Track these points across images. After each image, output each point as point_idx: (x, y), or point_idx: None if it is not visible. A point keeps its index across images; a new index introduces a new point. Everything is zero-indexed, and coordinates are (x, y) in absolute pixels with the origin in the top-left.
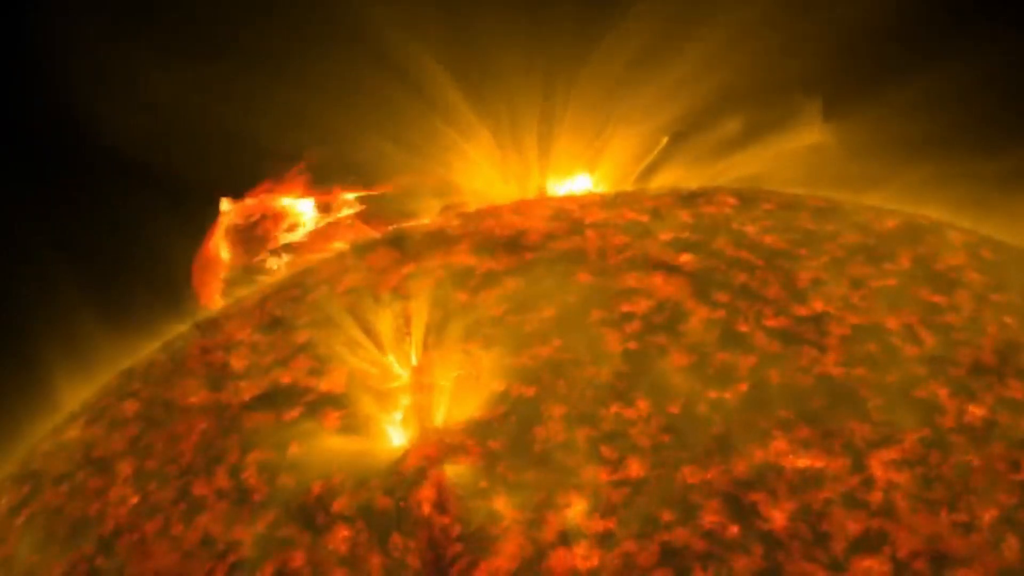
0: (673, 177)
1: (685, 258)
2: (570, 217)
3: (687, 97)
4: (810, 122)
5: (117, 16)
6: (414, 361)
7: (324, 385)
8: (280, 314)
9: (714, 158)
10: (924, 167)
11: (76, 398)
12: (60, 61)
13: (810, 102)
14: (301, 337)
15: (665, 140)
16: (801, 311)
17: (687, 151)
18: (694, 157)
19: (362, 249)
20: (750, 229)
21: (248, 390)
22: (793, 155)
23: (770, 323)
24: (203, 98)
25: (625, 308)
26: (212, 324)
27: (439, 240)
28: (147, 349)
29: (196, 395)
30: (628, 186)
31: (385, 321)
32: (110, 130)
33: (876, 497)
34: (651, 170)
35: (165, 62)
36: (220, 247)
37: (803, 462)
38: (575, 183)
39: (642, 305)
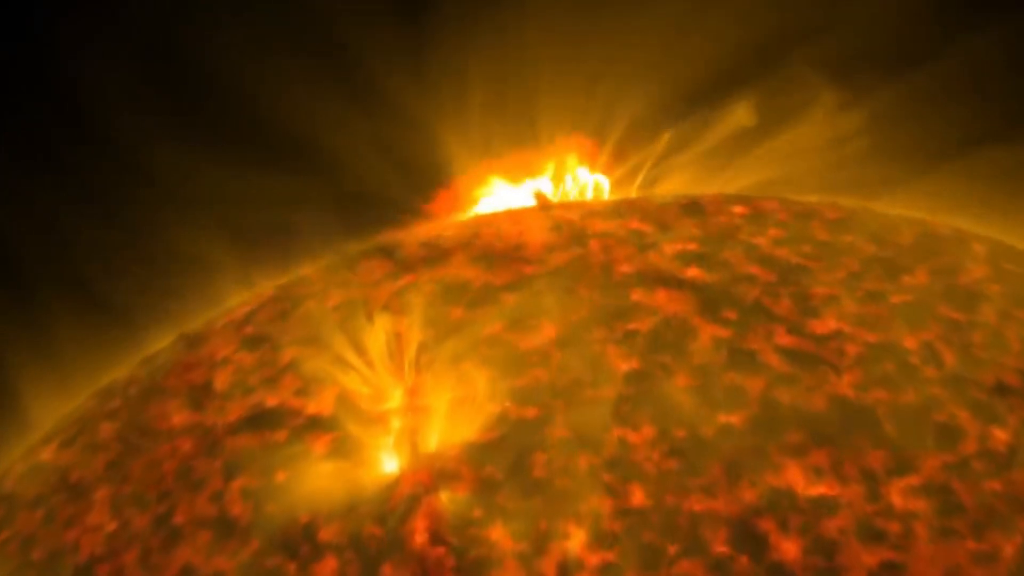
0: (680, 182)
1: (692, 272)
2: (571, 227)
3: (694, 92)
4: (825, 116)
5: None
6: (407, 382)
7: (312, 407)
8: (266, 330)
9: (724, 160)
10: (945, 167)
11: (51, 416)
12: None
13: (826, 92)
14: (288, 355)
15: (667, 136)
16: (814, 329)
17: (695, 152)
18: (703, 160)
19: (352, 260)
20: (761, 241)
21: (232, 411)
22: (806, 156)
23: (781, 342)
24: None
25: (629, 326)
26: (195, 339)
27: (433, 251)
28: (126, 364)
29: (177, 416)
30: (632, 192)
31: (376, 339)
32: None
33: (894, 527)
34: (656, 173)
35: None
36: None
37: (816, 489)
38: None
39: (647, 322)
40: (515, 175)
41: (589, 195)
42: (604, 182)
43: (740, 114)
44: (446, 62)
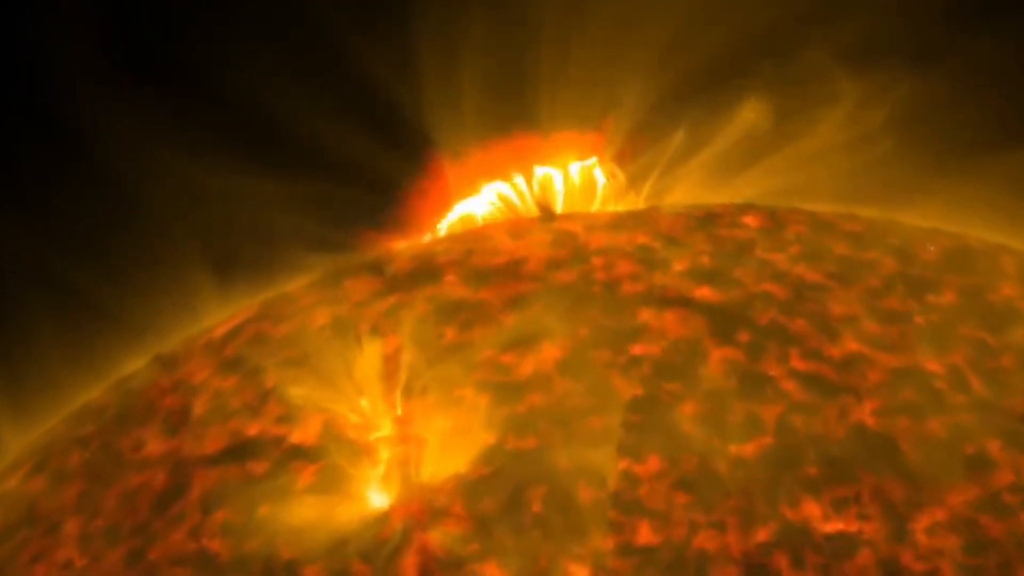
0: (690, 189)
1: (703, 291)
2: (573, 242)
3: (702, 85)
4: (845, 114)
5: None
6: (397, 409)
7: (296, 436)
8: (247, 352)
9: (736, 165)
10: (976, 172)
11: (19, 441)
12: None
13: (845, 86)
14: (270, 380)
15: (675, 136)
16: (833, 352)
17: (705, 155)
18: (713, 164)
19: (339, 276)
20: (777, 257)
21: (211, 440)
22: (825, 160)
23: (798, 366)
24: None
25: (635, 349)
26: (172, 361)
27: (426, 267)
28: (100, 387)
29: (153, 444)
30: (639, 202)
31: (365, 362)
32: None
33: (919, 567)
34: (664, 180)
35: None
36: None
37: (835, 526)
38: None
39: (654, 345)
40: (507, 169)
41: (597, 188)
42: (599, 175)
43: (752, 112)
44: (435, 50)
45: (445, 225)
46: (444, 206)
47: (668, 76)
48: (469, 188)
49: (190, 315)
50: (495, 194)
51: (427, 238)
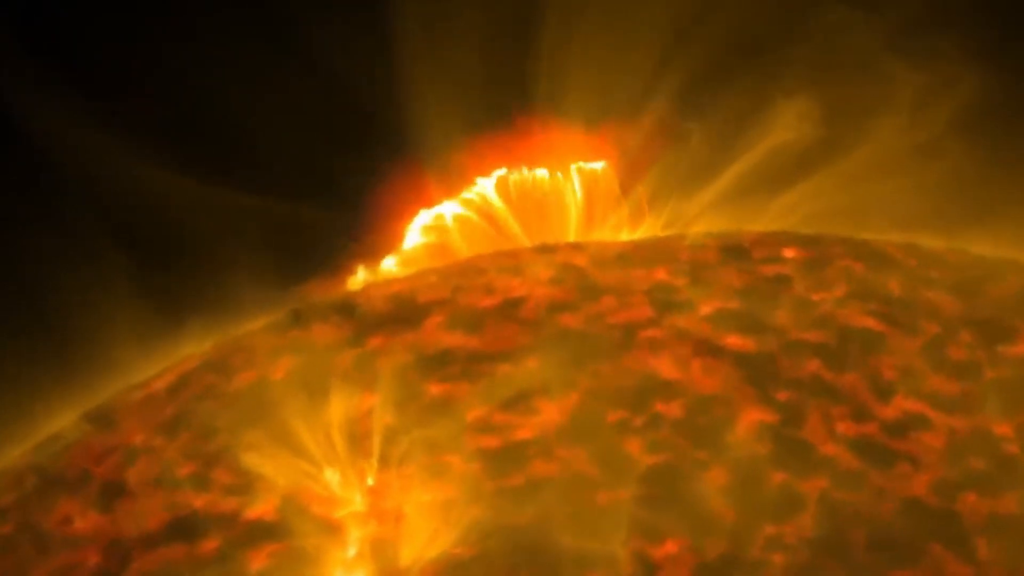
0: (719, 214)
1: (733, 339)
2: (581, 278)
3: (732, 81)
4: (903, 120)
5: None
6: (370, 479)
7: (251, 510)
8: (193, 409)
9: (773, 183)
10: None
11: None
12: None
13: (904, 85)
14: (220, 441)
15: (699, 144)
16: (886, 413)
17: (736, 171)
18: (747, 182)
19: (302, 318)
20: (820, 297)
21: (151, 515)
22: (878, 177)
23: (845, 429)
24: None
25: (653, 408)
26: (105, 418)
27: (405, 308)
28: (19, 448)
29: (83, 520)
30: (656, 226)
31: (333, 422)
32: None
33: None
34: (687, 199)
35: None
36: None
37: None
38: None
39: (675, 404)
40: (492, 170)
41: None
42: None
43: (792, 115)
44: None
45: (414, 232)
46: (412, 213)
47: (687, 62)
48: (444, 192)
49: (126, 361)
50: (472, 199)
51: (398, 258)
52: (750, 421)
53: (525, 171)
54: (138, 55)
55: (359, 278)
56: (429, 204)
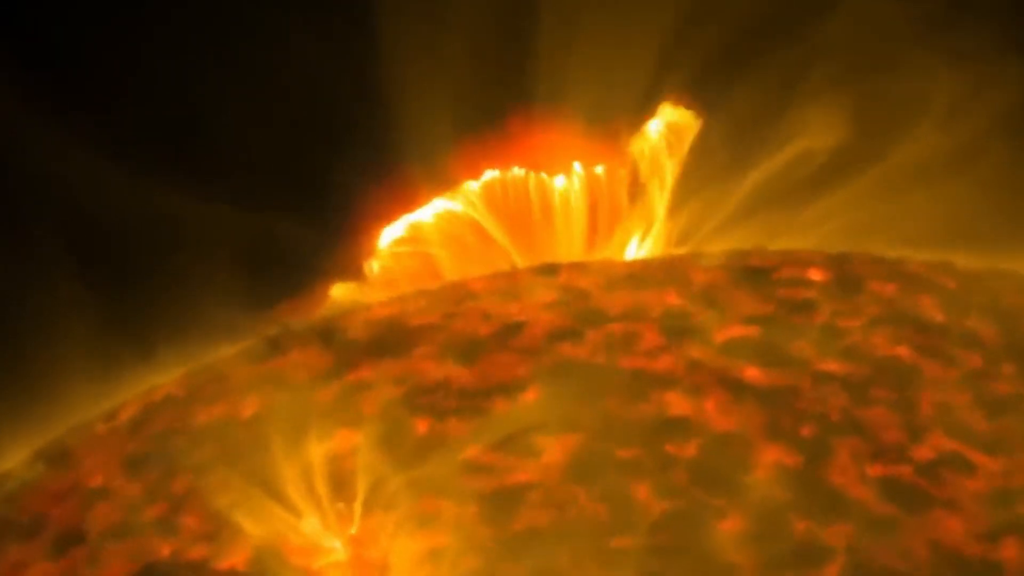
0: (737, 229)
1: (752, 372)
2: (584, 302)
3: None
4: (937, 123)
5: None
6: (353, 526)
7: (223, 559)
8: (160, 447)
9: (796, 196)
10: None
11: None
12: None
13: (940, 86)
14: (189, 482)
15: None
16: (921, 453)
17: (758, 179)
18: (767, 194)
19: (279, 345)
20: (849, 324)
21: (113, 564)
22: (911, 188)
23: (874, 471)
24: None
25: (664, 448)
26: (62, 456)
27: (392, 334)
28: None
29: (36, 570)
30: (668, 243)
31: (312, 462)
32: None
33: None
34: (703, 211)
35: None
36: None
37: None
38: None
39: (688, 444)
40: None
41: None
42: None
43: (819, 119)
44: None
45: (396, 245)
46: (395, 223)
47: (701, 54)
48: (429, 200)
49: (84, 392)
50: (460, 208)
51: (380, 274)
52: (770, 462)
53: (520, 175)
54: (103, 59)
55: (339, 298)
56: (412, 213)
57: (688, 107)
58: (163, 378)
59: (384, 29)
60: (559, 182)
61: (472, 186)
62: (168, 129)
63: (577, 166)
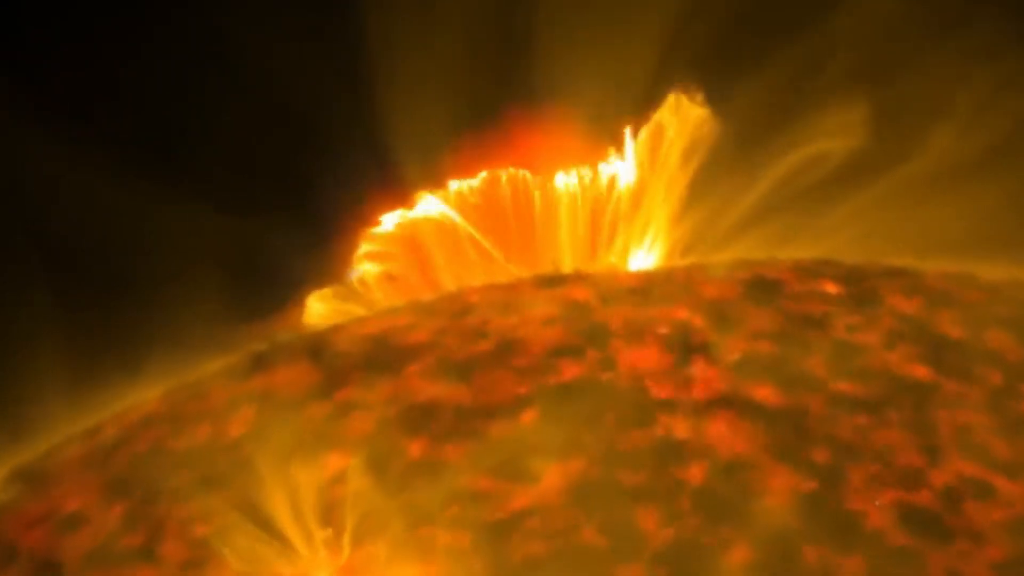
0: (748, 238)
1: (763, 391)
2: (586, 317)
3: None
4: (956, 128)
5: None
6: (344, 555)
7: None
8: (140, 469)
9: (815, 202)
10: None
11: None
12: None
13: (960, 91)
14: (170, 508)
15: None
16: (940, 478)
17: (771, 186)
18: (783, 199)
19: (265, 361)
20: (865, 340)
21: None
22: (931, 195)
23: (892, 498)
24: None
25: (670, 472)
26: (37, 478)
27: (383, 351)
28: None
29: None
30: (674, 252)
31: (300, 487)
32: None
33: None
34: (712, 218)
35: None
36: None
37: None
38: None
39: (695, 468)
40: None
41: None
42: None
43: (835, 121)
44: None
45: (383, 250)
46: (382, 226)
47: (707, 49)
48: (417, 202)
49: (61, 410)
50: (451, 211)
51: (368, 282)
52: (781, 488)
53: (517, 178)
54: (80, 66)
55: (327, 308)
56: (405, 218)
57: (695, 106)
58: (145, 394)
59: (374, 25)
60: (558, 185)
61: (467, 189)
62: (152, 135)
63: (577, 168)
